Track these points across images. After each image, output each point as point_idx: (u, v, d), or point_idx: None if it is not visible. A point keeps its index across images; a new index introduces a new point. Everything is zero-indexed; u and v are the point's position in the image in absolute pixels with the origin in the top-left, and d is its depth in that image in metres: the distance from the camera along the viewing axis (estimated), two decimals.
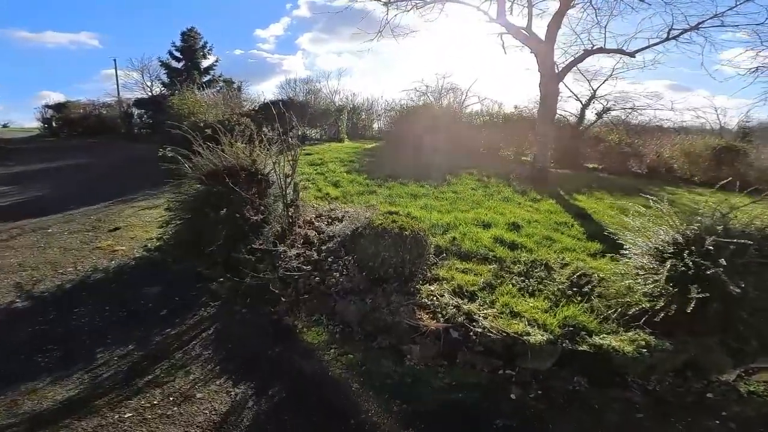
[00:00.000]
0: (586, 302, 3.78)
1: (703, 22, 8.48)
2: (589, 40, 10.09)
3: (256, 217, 4.67)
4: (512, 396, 3.06)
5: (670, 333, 3.30)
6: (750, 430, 2.94)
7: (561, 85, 9.86)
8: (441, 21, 13.98)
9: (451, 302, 3.59)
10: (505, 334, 3.23)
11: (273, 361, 3.37)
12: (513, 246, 4.94)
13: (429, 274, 4.15)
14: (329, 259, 4.27)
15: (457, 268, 4.32)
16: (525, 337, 3.21)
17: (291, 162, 5.09)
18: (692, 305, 2.98)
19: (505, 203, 6.92)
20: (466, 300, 3.71)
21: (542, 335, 3.25)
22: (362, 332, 3.63)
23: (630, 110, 14.13)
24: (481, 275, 4.18)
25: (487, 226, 5.60)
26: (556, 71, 9.50)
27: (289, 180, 5.03)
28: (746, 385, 3.38)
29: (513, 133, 13.17)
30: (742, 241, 3.15)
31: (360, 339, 3.60)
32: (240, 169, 4.91)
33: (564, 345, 3.24)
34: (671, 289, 3.24)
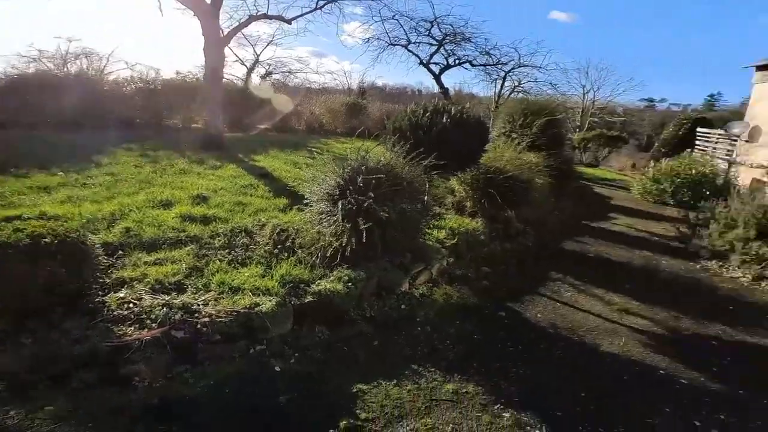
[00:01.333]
0: (292, 256, 3.98)
1: None
2: (254, 5, 10.33)
3: None
4: (277, 368, 2.91)
5: (356, 263, 3.86)
6: (438, 327, 3.72)
7: (227, 50, 9.70)
8: None
9: (156, 302, 2.90)
10: (236, 313, 2.96)
11: None
12: (206, 220, 4.51)
13: (109, 281, 3.16)
14: None
15: (146, 262, 3.52)
16: (257, 309, 3.06)
17: None
18: (364, 235, 3.60)
19: (184, 176, 6.20)
20: (174, 293, 3.11)
21: (270, 300, 3.19)
22: (46, 380, 2.43)
23: (287, 73, 15.80)
24: (181, 261, 3.60)
25: (167, 205, 4.82)
26: (222, 35, 9.22)
27: None
28: (416, 289, 4.27)
29: (179, 101, 11.90)
30: (379, 175, 3.86)
31: (47, 387, 2.42)
32: None
33: (293, 302, 3.31)
34: (347, 225, 3.81)
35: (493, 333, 3.79)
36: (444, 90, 18.94)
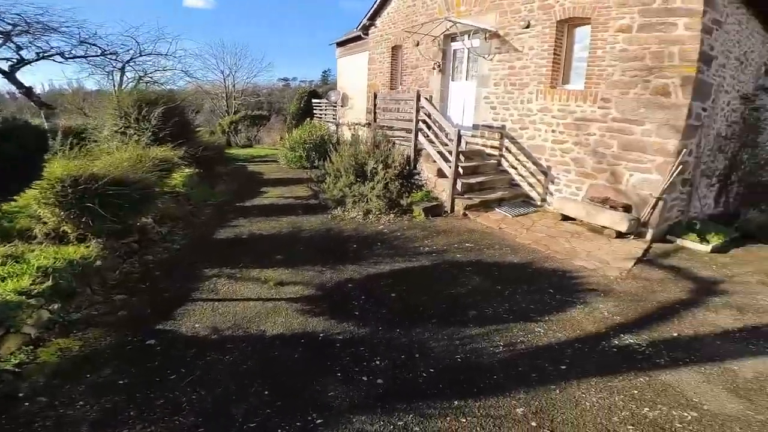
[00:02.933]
0: None
1: None
2: None
3: None
4: None
5: None
6: (57, 394, 2.67)
7: None
8: None
9: None
10: None
11: None
12: None
13: None
14: None
15: None
16: None
17: None
18: None
19: None
20: None
21: None
22: None
23: None
24: None
25: None
26: None
27: None
28: (5, 363, 2.94)
29: None
30: None
31: None
32: None
33: None
34: None
35: (144, 368, 3.06)
36: (26, 89, 14.35)
